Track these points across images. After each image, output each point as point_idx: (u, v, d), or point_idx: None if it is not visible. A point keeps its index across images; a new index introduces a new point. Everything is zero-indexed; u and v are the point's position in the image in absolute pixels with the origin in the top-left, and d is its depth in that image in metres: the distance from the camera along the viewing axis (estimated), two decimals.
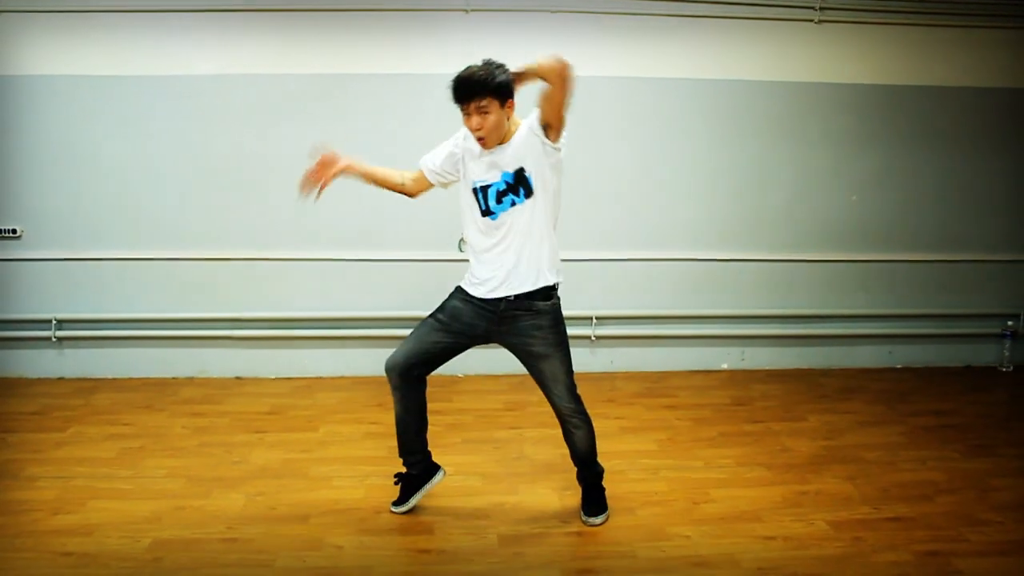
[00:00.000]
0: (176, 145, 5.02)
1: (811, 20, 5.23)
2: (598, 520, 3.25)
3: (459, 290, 3.20)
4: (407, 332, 5.18)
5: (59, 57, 4.90)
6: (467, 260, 3.05)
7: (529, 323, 3.07)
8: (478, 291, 3.11)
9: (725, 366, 5.53)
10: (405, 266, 5.19)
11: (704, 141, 5.31)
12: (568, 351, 3.13)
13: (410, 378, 3.21)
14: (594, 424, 3.23)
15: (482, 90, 2.84)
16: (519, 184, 2.99)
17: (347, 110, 5.07)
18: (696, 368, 5.48)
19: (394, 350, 3.21)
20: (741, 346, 5.52)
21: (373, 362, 5.22)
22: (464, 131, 3.06)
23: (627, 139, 5.24)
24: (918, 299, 5.59)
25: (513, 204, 3.01)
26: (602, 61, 5.13)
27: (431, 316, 3.20)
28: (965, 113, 5.44)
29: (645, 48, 5.17)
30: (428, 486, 3.37)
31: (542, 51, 2.86)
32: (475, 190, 3.07)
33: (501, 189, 3.01)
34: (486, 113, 2.88)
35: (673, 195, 5.34)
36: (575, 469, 3.36)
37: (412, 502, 3.34)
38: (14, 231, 5.02)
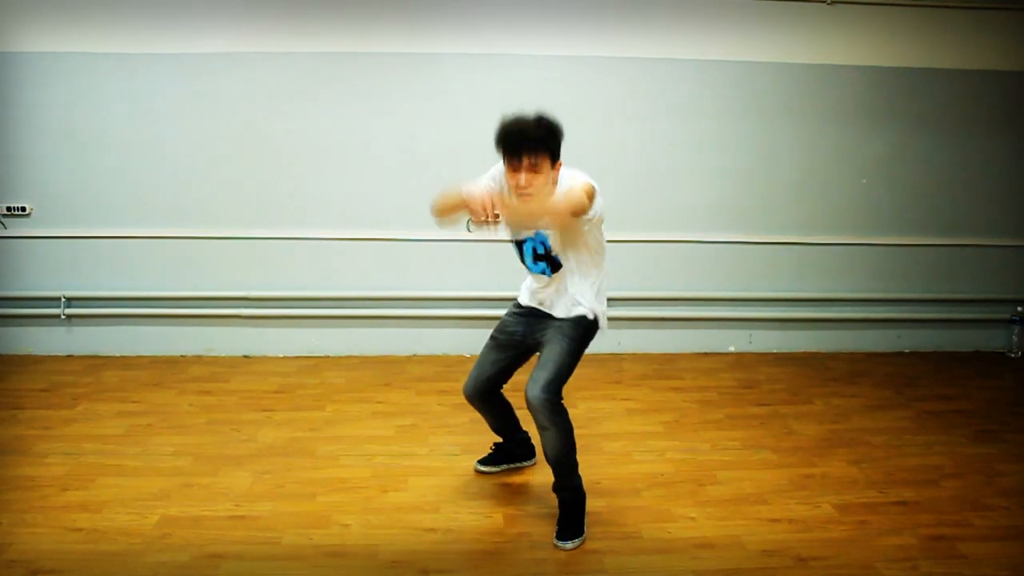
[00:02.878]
0: (185, 123, 5.02)
1: (823, 1, 5.18)
2: (569, 545, 2.94)
3: (514, 303, 3.27)
4: (414, 312, 5.26)
5: (67, 35, 4.89)
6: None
7: (556, 322, 3.08)
8: (524, 299, 3.21)
9: (732, 349, 5.52)
10: (413, 246, 5.19)
11: (713, 123, 5.28)
12: (575, 355, 3.03)
13: (486, 397, 3.30)
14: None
15: (538, 148, 2.77)
16: (547, 259, 3.02)
17: (354, 89, 5.06)
18: (703, 350, 5.48)
19: (466, 378, 3.30)
20: (748, 329, 5.51)
21: (380, 341, 5.28)
22: (498, 169, 2.99)
23: (635, 120, 5.21)
24: (927, 283, 5.57)
25: (544, 273, 3.06)
26: (610, 42, 5.10)
27: (490, 336, 3.26)
28: (977, 96, 5.39)
29: (654, 29, 5.14)
30: (521, 463, 3.57)
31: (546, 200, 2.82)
32: (516, 242, 3.09)
33: (539, 252, 3.02)
34: (537, 172, 2.79)
35: (681, 177, 5.32)
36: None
37: (498, 468, 3.53)
38: (23, 208, 5.03)
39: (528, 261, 3.09)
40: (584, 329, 3.04)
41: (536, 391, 2.90)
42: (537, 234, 2.98)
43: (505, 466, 3.55)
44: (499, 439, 3.55)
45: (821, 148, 5.37)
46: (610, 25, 5.09)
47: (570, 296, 3.05)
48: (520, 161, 2.77)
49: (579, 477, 3.09)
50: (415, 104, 5.08)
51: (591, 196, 2.83)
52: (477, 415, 4.20)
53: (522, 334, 3.16)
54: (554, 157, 2.82)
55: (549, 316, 3.11)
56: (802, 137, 5.34)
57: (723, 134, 5.29)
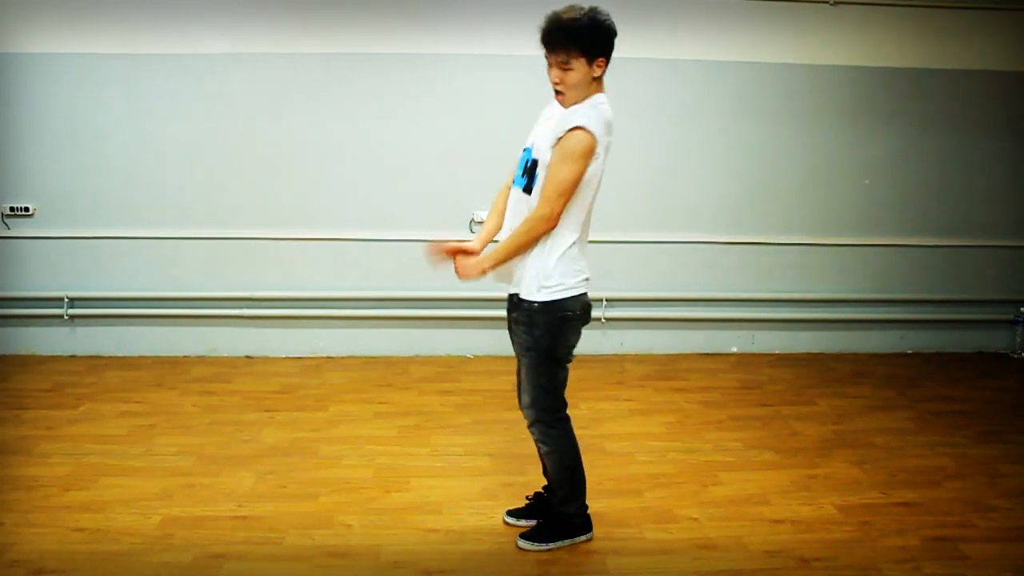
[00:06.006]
0: (187, 123, 5.02)
1: (827, 1, 5.18)
2: (526, 545, 2.89)
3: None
4: (417, 313, 5.26)
5: (70, 36, 4.89)
6: None
7: (514, 315, 2.83)
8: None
9: (735, 349, 5.52)
10: (416, 246, 5.17)
11: (716, 123, 5.28)
12: (542, 361, 2.77)
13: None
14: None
15: (567, 43, 2.56)
16: (529, 172, 2.72)
17: (356, 89, 5.06)
18: (706, 351, 5.47)
19: None
20: (751, 329, 5.51)
21: (383, 342, 5.28)
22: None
23: (638, 120, 5.21)
24: (930, 284, 5.56)
25: (521, 188, 2.75)
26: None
27: None
28: (981, 97, 5.39)
29: (658, 29, 5.14)
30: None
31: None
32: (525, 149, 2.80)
33: (528, 165, 2.72)
34: (568, 69, 2.59)
35: (684, 177, 5.32)
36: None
37: (527, 524, 3.07)
38: (26, 209, 5.04)
39: (518, 171, 2.78)
40: (543, 327, 2.73)
41: (528, 413, 2.85)
42: (526, 149, 2.77)
43: (536, 522, 3.05)
44: (543, 488, 3.12)
45: (823, 149, 5.36)
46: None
47: (521, 264, 2.75)
48: (550, 54, 2.61)
49: (579, 508, 2.96)
50: (416, 104, 5.08)
51: (587, 154, 2.61)
52: (480, 416, 4.23)
53: (512, 331, 2.89)
54: (590, 55, 2.57)
55: (516, 300, 2.80)
56: (804, 138, 5.34)
57: (725, 135, 5.29)
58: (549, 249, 2.71)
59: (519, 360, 2.87)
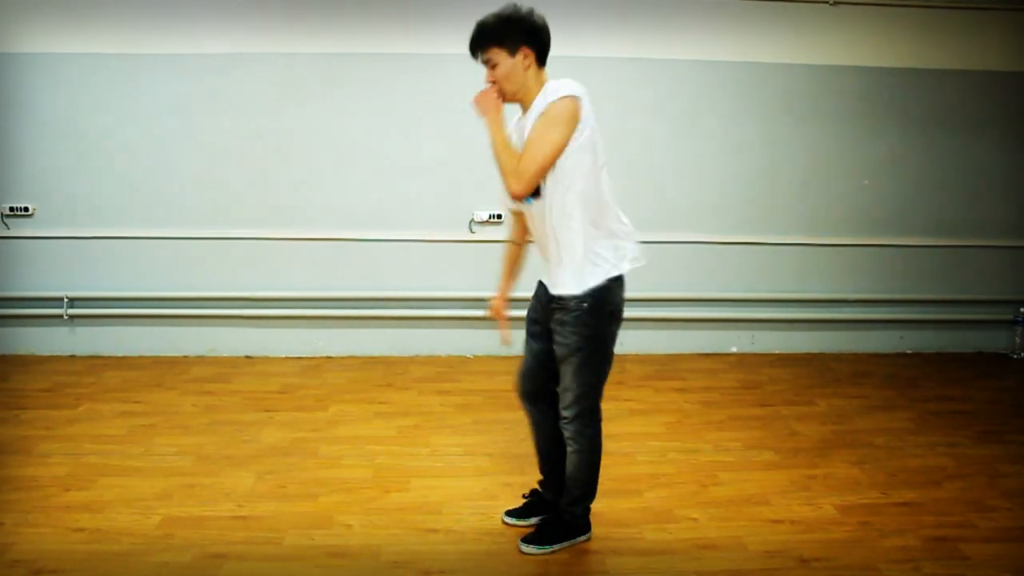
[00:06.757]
0: (187, 123, 5.03)
1: (826, 2, 5.18)
2: (528, 548, 2.90)
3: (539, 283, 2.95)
4: (416, 313, 5.26)
5: (70, 36, 4.90)
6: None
7: (557, 316, 2.76)
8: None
9: (735, 349, 5.52)
10: (416, 246, 5.19)
11: (716, 123, 5.28)
12: (590, 362, 2.76)
13: (532, 398, 2.98)
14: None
15: (483, 41, 2.64)
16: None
17: (355, 90, 5.06)
18: (705, 351, 5.47)
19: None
20: (751, 330, 5.51)
21: (382, 342, 5.28)
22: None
23: (638, 120, 5.21)
24: (930, 284, 5.56)
25: (527, 203, 2.71)
26: (611, 43, 5.11)
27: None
28: (981, 97, 5.39)
29: (657, 29, 5.14)
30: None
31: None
32: None
33: None
34: (493, 66, 2.65)
35: (683, 178, 5.32)
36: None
37: (527, 522, 3.09)
38: (26, 209, 5.04)
39: None
40: (577, 321, 2.70)
41: (566, 414, 2.82)
42: None
43: (536, 520, 3.08)
44: (538, 485, 3.13)
45: (823, 149, 5.37)
46: (611, 26, 5.09)
47: (558, 249, 2.71)
48: (480, 61, 2.68)
49: (585, 510, 2.97)
50: (416, 104, 5.08)
51: (571, 120, 2.59)
52: (480, 416, 4.23)
53: (542, 322, 2.86)
54: (508, 46, 2.62)
55: (550, 298, 2.78)
56: (804, 138, 5.34)
57: (724, 135, 5.29)
58: (581, 245, 2.69)
59: (560, 361, 2.80)
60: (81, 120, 4.98)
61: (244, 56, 4.98)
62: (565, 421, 2.84)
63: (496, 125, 2.68)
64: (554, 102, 2.57)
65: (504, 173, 2.64)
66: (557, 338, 2.77)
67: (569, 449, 2.87)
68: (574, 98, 2.58)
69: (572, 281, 2.70)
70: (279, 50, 4.99)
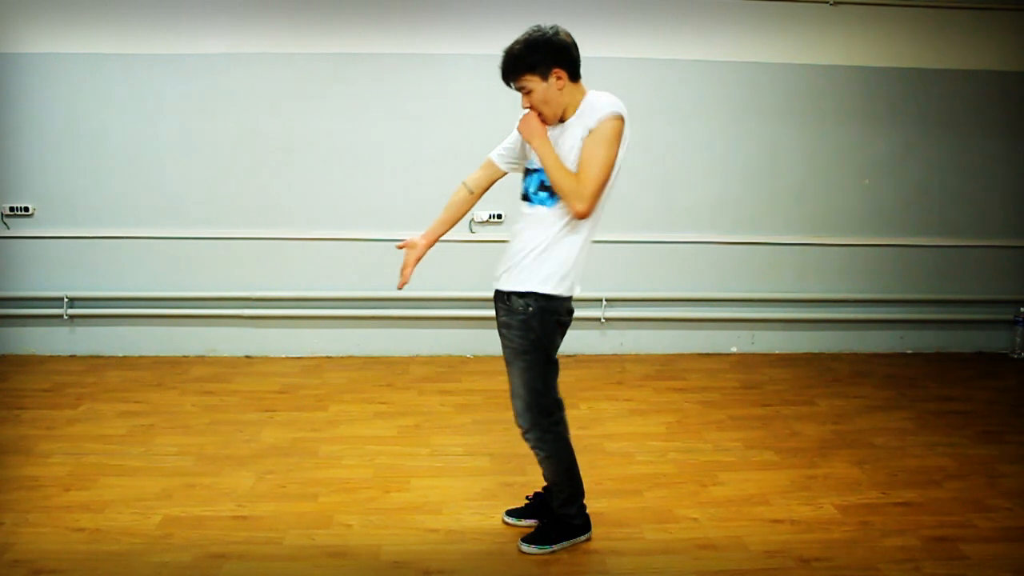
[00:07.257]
0: (186, 123, 5.03)
1: (827, 1, 5.18)
2: (528, 548, 2.89)
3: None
4: (417, 313, 5.26)
5: (69, 36, 4.90)
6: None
7: (502, 319, 2.83)
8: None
9: (735, 349, 5.52)
10: None
11: (715, 123, 5.28)
12: (533, 366, 2.77)
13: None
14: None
15: (513, 70, 2.66)
16: (549, 188, 2.72)
17: (355, 90, 5.07)
18: (706, 351, 5.48)
19: None
20: (751, 329, 5.51)
21: (382, 342, 5.28)
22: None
23: (637, 120, 5.15)
24: (929, 284, 5.57)
25: (543, 204, 2.74)
26: (611, 43, 5.11)
27: None
28: (980, 97, 5.39)
29: (657, 29, 5.14)
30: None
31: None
32: (526, 170, 2.83)
33: (545, 181, 2.71)
34: (528, 92, 2.67)
35: (684, 177, 5.32)
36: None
37: (527, 523, 3.09)
38: (26, 209, 5.04)
39: (531, 188, 2.78)
40: (523, 325, 2.75)
41: (520, 422, 2.83)
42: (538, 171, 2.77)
43: (536, 520, 3.07)
44: (542, 488, 3.11)
45: (823, 148, 5.37)
46: (612, 26, 5.10)
47: (534, 264, 2.73)
48: (512, 87, 2.70)
49: (579, 508, 2.97)
50: (416, 105, 5.09)
51: (619, 137, 2.67)
52: (480, 416, 4.23)
53: (503, 336, 2.87)
54: (540, 72, 2.63)
55: (498, 306, 2.85)
56: (804, 138, 5.34)
57: (725, 135, 5.29)
58: (578, 243, 2.74)
59: (508, 366, 2.84)
60: (81, 120, 4.98)
61: (244, 56, 4.99)
62: (523, 432, 2.85)
63: (545, 148, 2.69)
64: (604, 120, 2.63)
65: (565, 196, 2.65)
66: (503, 341, 2.83)
67: (537, 458, 2.89)
68: (620, 118, 2.66)
69: (540, 282, 2.74)
70: (279, 50, 4.99)
